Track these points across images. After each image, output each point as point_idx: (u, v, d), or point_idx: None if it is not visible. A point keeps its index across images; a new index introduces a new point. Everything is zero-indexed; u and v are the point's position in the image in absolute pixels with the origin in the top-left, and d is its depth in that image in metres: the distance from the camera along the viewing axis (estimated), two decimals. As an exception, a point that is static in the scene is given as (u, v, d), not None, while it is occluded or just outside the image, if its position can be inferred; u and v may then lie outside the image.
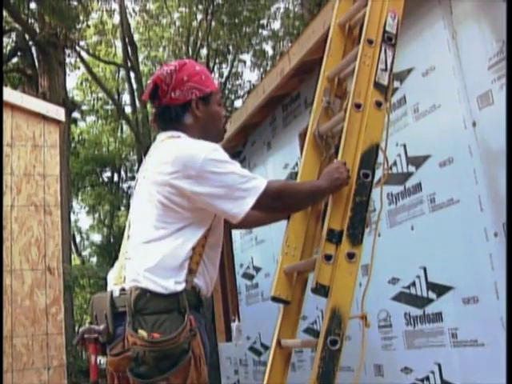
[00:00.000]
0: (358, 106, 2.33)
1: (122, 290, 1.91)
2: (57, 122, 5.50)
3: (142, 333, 1.78)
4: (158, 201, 1.93)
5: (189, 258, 1.91)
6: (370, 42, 2.43)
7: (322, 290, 2.13)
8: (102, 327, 1.90)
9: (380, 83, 2.35)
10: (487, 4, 3.10)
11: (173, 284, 1.86)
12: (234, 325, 6.68)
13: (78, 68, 20.48)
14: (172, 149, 1.98)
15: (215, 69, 23.06)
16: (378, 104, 2.32)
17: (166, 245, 1.91)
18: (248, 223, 2.34)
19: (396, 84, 3.70)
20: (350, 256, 2.14)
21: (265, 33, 22.36)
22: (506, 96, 2.81)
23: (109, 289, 2.00)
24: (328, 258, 2.15)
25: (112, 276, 2.05)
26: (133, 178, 24.77)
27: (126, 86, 22.54)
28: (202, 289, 1.98)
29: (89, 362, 2.03)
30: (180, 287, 1.87)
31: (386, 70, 2.37)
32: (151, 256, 1.90)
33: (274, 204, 2.01)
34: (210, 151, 1.94)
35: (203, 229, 1.97)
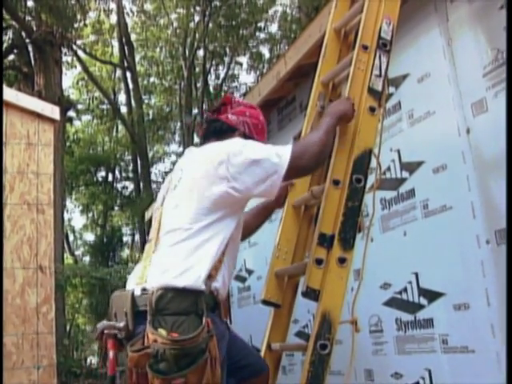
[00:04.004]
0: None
1: (144, 289, 2.00)
2: (51, 120, 5.49)
3: (162, 331, 1.87)
4: (199, 195, 2.06)
5: (213, 260, 2.03)
6: (365, 47, 2.44)
7: (312, 294, 2.14)
8: (122, 324, 1.98)
9: (374, 89, 2.36)
10: (483, 12, 3.10)
11: (196, 278, 1.97)
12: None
13: (75, 67, 20.42)
14: (211, 147, 2.19)
15: (211, 70, 23.10)
16: (372, 109, 2.33)
17: (197, 236, 2.03)
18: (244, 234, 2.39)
19: (391, 90, 3.71)
20: (341, 261, 2.15)
21: (262, 35, 22.43)
22: (506, 96, 2.80)
23: (129, 288, 2.09)
24: (319, 262, 2.16)
25: (134, 276, 2.14)
26: (127, 178, 24.77)
27: (122, 85, 22.55)
28: (220, 292, 2.08)
29: (101, 358, 2.06)
30: (199, 286, 1.97)
31: (380, 75, 2.38)
32: (180, 248, 2.03)
33: (304, 163, 2.10)
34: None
35: (232, 225, 2.11)
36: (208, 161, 2.10)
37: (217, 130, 2.33)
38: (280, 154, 2.06)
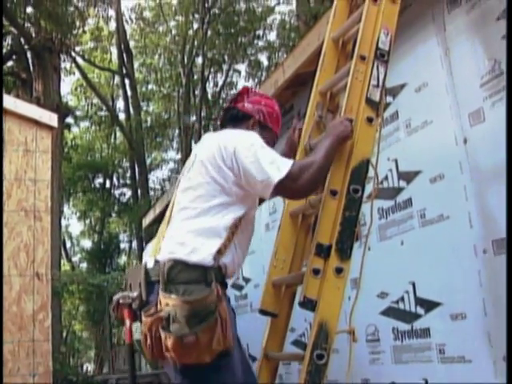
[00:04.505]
0: (349, 121, 2.34)
1: (156, 261, 2.12)
2: (49, 127, 5.49)
3: (174, 296, 1.98)
4: (209, 178, 2.18)
5: (225, 230, 2.14)
6: (363, 58, 2.45)
7: (309, 304, 2.14)
8: (135, 294, 2.12)
9: (372, 99, 2.36)
10: (480, 22, 3.12)
11: (204, 253, 2.08)
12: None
13: (73, 73, 20.44)
14: (224, 136, 2.29)
15: (210, 78, 23.13)
16: (370, 120, 2.33)
17: (207, 214, 2.14)
18: None
19: (389, 99, 3.72)
20: (338, 271, 2.15)
21: (260, 43, 22.48)
22: (506, 100, 2.80)
23: (144, 261, 2.23)
24: (316, 272, 2.16)
25: (149, 249, 2.29)
26: (125, 185, 24.77)
27: (121, 92, 22.57)
28: (228, 268, 2.18)
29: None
30: (209, 261, 2.08)
31: (377, 86, 2.38)
32: (191, 224, 2.14)
33: (295, 186, 2.13)
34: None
35: (242, 210, 2.20)
36: (217, 148, 2.20)
37: (233, 117, 2.47)
38: (280, 169, 2.09)
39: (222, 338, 1.97)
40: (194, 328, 1.93)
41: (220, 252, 2.13)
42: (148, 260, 2.18)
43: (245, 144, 2.18)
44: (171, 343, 1.94)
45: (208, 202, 2.16)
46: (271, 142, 2.48)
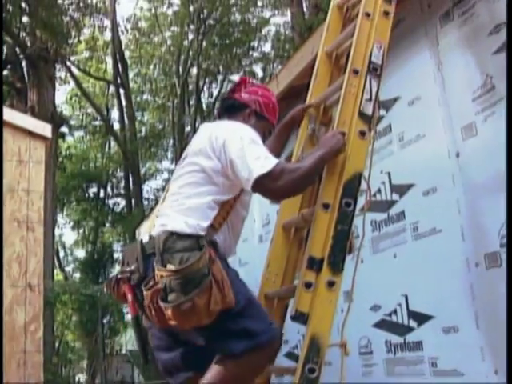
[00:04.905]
0: (342, 134, 2.34)
1: (150, 237, 2.20)
2: (43, 138, 5.47)
3: (171, 267, 2.03)
4: (200, 166, 2.25)
5: (213, 210, 2.21)
6: (356, 71, 2.46)
7: (301, 318, 2.14)
8: (133, 267, 2.16)
9: (364, 113, 2.37)
10: (472, 38, 3.14)
11: (195, 226, 2.15)
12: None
13: (68, 83, 20.47)
14: (216, 128, 2.36)
15: (205, 88, 23.17)
16: (362, 134, 2.34)
17: (195, 198, 2.22)
18: None
19: (382, 112, 3.73)
20: (330, 284, 2.15)
21: (255, 54, 22.54)
22: (506, 100, 2.81)
23: (139, 238, 2.31)
24: (308, 285, 2.16)
25: (143, 227, 2.33)
26: (119, 195, 24.71)
27: (116, 102, 22.56)
28: (219, 246, 2.23)
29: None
30: (201, 231, 2.15)
31: (370, 99, 2.39)
32: (181, 204, 2.23)
33: (273, 186, 2.15)
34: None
35: (229, 196, 2.26)
36: (209, 139, 2.28)
37: (230, 107, 2.54)
38: (263, 166, 2.13)
39: (219, 298, 2.00)
40: (190, 294, 1.97)
41: (214, 228, 2.21)
42: (143, 236, 2.27)
43: (234, 137, 2.23)
44: (170, 313, 1.99)
45: (196, 188, 2.24)
46: (267, 131, 2.57)
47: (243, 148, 2.18)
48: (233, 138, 2.22)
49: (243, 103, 2.52)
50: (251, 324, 2.09)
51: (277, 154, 2.69)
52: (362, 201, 2.48)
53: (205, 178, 2.25)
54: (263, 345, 2.06)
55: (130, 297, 2.18)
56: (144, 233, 2.32)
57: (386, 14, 2.62)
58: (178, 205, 2.25)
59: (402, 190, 3.57)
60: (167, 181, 24.52)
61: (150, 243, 2.18)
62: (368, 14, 2.60)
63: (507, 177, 2.62)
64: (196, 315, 1.99)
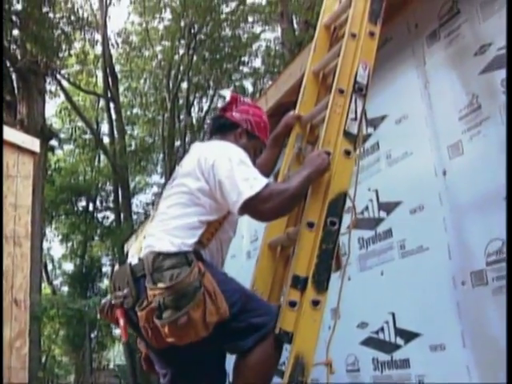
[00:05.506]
0: (327, 154, 2.35)
1: (139, 259, 2.22)
2: (31, 152, 5.45)
3: (162, 285, 2.06)
4: (188, 188, 2.27)
5: (199, 229, 2.23)
6: (341, 91, 2.48)
7: (285, 337, 2.14)
8: (125, 291, 2.17)
9: (349, 132, 2.39)
10: (458, 58, 3.17)
11: (180, 244, 2.17)
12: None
13: (58, 96, 20.41)
14: (206, 149, 2.38)
15: (195, 103, 23.20)
16: (347, 153, 2.36)
17: (181, 218, 2.24)
18: None
19: (370, 130, 3.76)
20: (315, 303, 2.15)
21: (245, 69, 22.61)
22: (506, 114, 2.82)
23: (128, 261, 2.32)
24: (292, 304, 2.16)
25: (132, 248, 2.29)
26: (108, 209, 24.62)
27: (106, 116, 22.52)
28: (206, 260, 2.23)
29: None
30: (187, 248, 2.17)
31: (355, 119, 2.41)
32: (166, 224, 2.26)
33: (266, 207, 2.15)
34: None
35: (217, 216, 2.28)
36: (198, 160, 2.29)
37: (221, 126, 2.56)
38: (252, 187, 2.13)
39: (214, 310, 2.04)
40: (185, 308, 2.00)
41: (202, 244, 2.24)
42: (132, 259, 2.28)
43: (224, 158, 2.24)
44: (167, 330, 2.01)
45: (183, 209, 2.26)
46: (259, 150, 2.58)
47: (232, 169, 2.19)
48: (222, 159, 2.23)
49: (234, 122, 2.54)
50: (255, 317, 2.15)
51: (271, 166, 2.76)
52: (348, 219, 2.49)
53: (192, 199, 2.26)
54: (271, 331, 2.14)
55: (122, 321, 2.19)
56: (132, 255, 2.33)
57: (372, 34, 2.64)
58: (164, 225, 2.27)
59: (389, 207, 3.59)
60: (157, 195, 24.51)
61: (139, 265, 2.20)
62: (354, 35, 2.62)
63: (507, 186, 2.62)
64: (193, 328, 2.01)
